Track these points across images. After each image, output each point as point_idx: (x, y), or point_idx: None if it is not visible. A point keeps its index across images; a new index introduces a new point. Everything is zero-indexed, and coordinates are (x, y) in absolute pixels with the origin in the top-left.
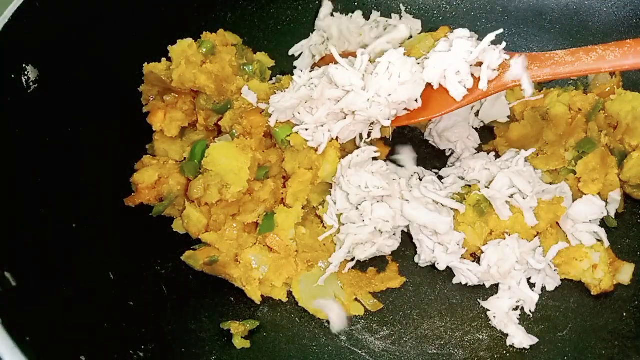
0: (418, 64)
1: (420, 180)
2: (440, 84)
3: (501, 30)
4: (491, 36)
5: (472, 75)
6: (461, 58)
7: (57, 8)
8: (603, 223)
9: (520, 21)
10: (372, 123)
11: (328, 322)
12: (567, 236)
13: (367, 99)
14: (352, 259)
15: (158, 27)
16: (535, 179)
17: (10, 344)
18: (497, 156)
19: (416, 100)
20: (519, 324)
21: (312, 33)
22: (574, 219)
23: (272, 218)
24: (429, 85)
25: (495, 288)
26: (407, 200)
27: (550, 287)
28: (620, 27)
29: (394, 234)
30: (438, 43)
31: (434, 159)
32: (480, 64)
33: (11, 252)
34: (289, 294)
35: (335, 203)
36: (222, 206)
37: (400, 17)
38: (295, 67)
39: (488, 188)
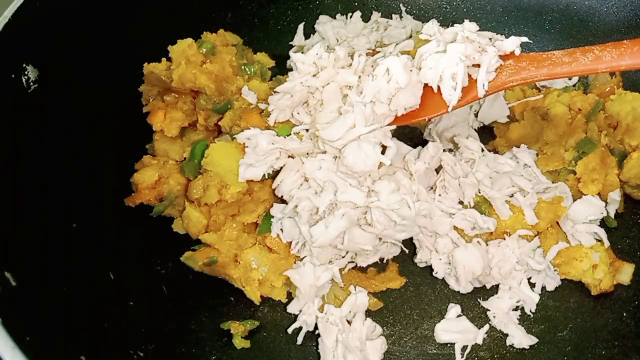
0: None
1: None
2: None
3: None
4: (491, 41)
5: (469, 75)
6: (456, 61)
7: (57, 8)
8: (603, 223)
9: (520, 21)
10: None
11: None
12: (567, 236)
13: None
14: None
15: (158, 27)
16: (534, 177)
17: (11, 344)
18: None
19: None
20: (519, 324)
21: (312, 34)
22: (574, 219)
23: (272, 218)
24: (427, 84)
25: (495, 288)
26: None
27: (550, 287)
28: (620, 27)
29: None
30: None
31: None
32: (477, 66)
33: (11, 252)
34: (289, 294)
35: None
36: (221, 206)
37: (401, 17)
38: None
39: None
